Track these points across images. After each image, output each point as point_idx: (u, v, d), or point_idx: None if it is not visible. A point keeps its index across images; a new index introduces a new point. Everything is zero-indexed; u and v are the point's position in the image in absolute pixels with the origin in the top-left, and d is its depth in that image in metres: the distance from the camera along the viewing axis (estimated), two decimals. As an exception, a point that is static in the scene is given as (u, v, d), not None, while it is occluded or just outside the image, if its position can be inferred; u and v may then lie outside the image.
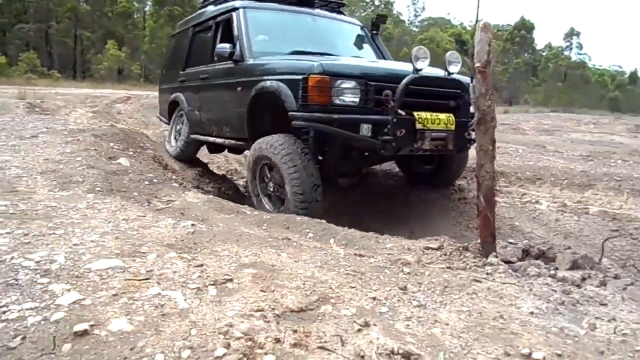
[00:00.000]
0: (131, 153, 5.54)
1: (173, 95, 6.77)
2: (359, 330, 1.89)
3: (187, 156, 6.57)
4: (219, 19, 5.72)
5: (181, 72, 6.60)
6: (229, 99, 5.13)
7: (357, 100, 3.90)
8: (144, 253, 2.44)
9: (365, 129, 3.96)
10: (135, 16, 37.28)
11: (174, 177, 5.43)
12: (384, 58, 5.95)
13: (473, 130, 4.06)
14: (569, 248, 2.96)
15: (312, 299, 2.08)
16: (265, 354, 1.69)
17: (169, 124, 7.17)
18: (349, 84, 3.88)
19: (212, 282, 2.16)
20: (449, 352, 1.79)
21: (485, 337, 1.90)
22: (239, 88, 4.84)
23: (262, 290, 2.13)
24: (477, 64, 2.40)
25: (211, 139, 5.82)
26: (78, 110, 12.11)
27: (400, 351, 1.75)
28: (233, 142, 5.33)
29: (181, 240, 2.68)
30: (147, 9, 38.20)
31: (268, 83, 4.36)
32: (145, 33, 36.39)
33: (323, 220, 3.57)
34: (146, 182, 4.50)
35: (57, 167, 4.25)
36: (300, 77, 3.94)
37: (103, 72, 30.06)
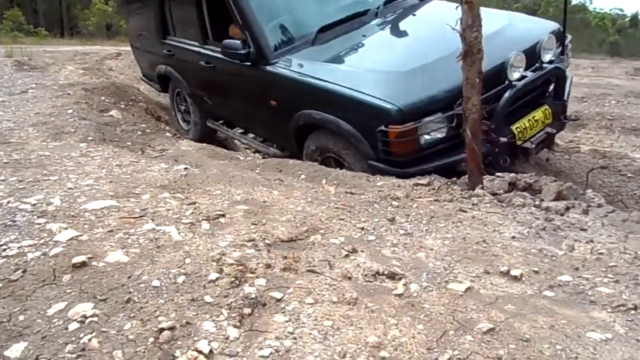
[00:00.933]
0: (123, 106, 5.52)
1: (162, 68, 5.74)
2: (346, 255, 1.97)
3: (211, 138, 5.49)
4: None
5: (163, 41, 5.49)
6: (260, 106, 4.09)
7: (444, 134, 3.11)
8: (137, 194, 2.50)
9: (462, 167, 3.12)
10: (121, -31, 36.28)
11: (167, 127, 5.44)
12: None
13: (566, 116, 3.75)
14: (555, 180, 3.03)
15: (301, 230, 2.16)
16: (257, 277, 1.77)
17: (160, 91, 6.35)
18: (435, 120, 3.06)
19: (205, 218, 2.23)
20: (432, 272, 1.88)
21: (467, 259, 1.99)
22: (273, 102, 3.86)
23: (254, 224, 2.20)
24: (463, -5, 2.39)
25: (237, 135, 4.89)
26: (68, 67, 11.88)
27: (386, 272, 1.83)
28: (274, 150, 4.36)
29: (174, 182, 2.74)
30: (132, -39, 37.07)
31: (323, 116, 3.43)
32: (132, -13, 35.21)
33: (315, 163, 3.62)
34: (139, 133, 4.52)
35: (49, 119, 4.26)
36: (374, 124, 3.07)
37: (91, 28, 29.38)
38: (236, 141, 5.52)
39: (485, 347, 1.44)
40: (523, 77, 3.29)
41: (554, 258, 1.98)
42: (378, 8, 4.21)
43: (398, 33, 4.10)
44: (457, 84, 2.79)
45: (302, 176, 3.38)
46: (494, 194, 2.74)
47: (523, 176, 2.94)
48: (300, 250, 2.00)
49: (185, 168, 3.06)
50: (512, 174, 2.88)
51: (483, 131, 2.94)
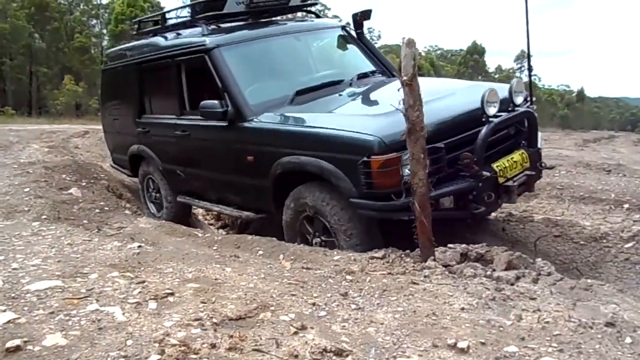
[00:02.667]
0: (84, 183, 5.49)
1: (135, 147, 5.46)
2: (295, 332, 1.95)
3: (182, 217, 5.29)
4: (180, 59, 4.55)
5: (138, 120, 5.32)
6: (235, 166, 4.07)
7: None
8: (85, 273, 2.44)
9: (448, 202, 3.23)
10: (92, 51, 37.00)
11: (127, 205, 5.39)
12: (378, 59, 4.94)
13: (542, 163, 3.91)
14: (507, 250, 3.10)
15: (251, 307, 2.13)
16: (200, 358, 1.72)
17: (130, 175, 5.98)
18: None
19: (152, 297, 2.19)
20: (380, 348, 1.86)
21: (416, 332, 1.99)
22: (249, 157, 3.85)
23: (203, 302, 2.16)
24: (404, 77, 2.54)
25: (209, 204, 4.76)
26: (32, 145, 11.82)
27: (333, 349, 1.81)
28: (249, 214, 4.23)
29: (125, 260, 2.70)
30: (104, 44, 38.04)
31: (302, 159, 3.44)
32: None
33: (274, 238, 3.62)
34: (97, 210, 4.48)
35: (3, 198, 4.19)
36: (355, 158, 3.09)
37: (60, 107, 29.57)
38: (200, 217, 5.45)
39: None
40: (498, 116, 3.45)
41: (501, 328, 2.00)
42: (352, 79, 4.44)
43: (371, 94, 4.36)
44: (432, 122, 2.98)
45: (260, 252, 3.38)
46: (446, 266, 2.78)
47: (475, 247, 3.00)
48: (248, 328, 1.97)
49: (139, 246, 3.02)
50: (464, 245, 2.94)
51: (465, 165, 3.19)
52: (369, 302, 2.30)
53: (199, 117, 4.21)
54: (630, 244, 4.00)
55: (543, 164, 4.00)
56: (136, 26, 6.00)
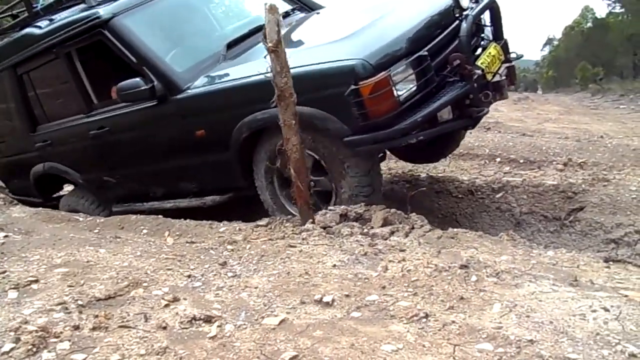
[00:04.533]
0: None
1: (39, 167, 4.45)
2: (166, 305, 1.95)
3: None
4: (69, 44, 3.79)
5: (34, 134, 4.37)
6: (180, 148, 3.48)
7: (415, 84, 2.85)
8: (-62, 270, 2.26)
9: (446, 113, 2.97)
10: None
11: (1, 195, 5.01)
12: None
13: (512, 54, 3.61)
14: (384, 208, 3.26)
15: (122, 286, 2.09)
16: (61, 341, 1.68)
17: (43, 204, 4.65)
18: (402, 68, 2.80)
19: (13, 286, 2.08)
20: (251, 310, 1.91)
21: (288, 292, 2.06)
22: (199, 132, 3.28)
23: (70, 286, 2.09)
24: (269, 44, 2.55)
25: (157, 203, 3.94)
26: None
27: (202, 316, 1.83)
28: (214, 197, 3.59)
29: (-13, 252, 2.52)
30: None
31: (272, 112, 2.82)
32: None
33: (160, 216, 3.54)
34: (-36, 203, 4.12)
35: None
36: (340, 90, 2.71)
37: None
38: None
39: (285, 375, 1.48)
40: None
41: (366, 280, 2.12)
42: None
43: (313, 26, 3.92)
44: (409, 29, 2.90)
45: (144, 231, 3.30)
46: (325, 227, 2.88)
47: (354, 207, 3.12)
48: (117, 307, 1.94)
49: (6, 236, 2.84)
50: (343, 206, 3.05)
51: (456, 65, 2.92)
52: (246, 268, 2.34)
53: (116, 106, 3.63)
54: (500, 194, 4.36)
55: (514, 54, 3.75)
56: None
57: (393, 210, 3.11)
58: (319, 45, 3.17)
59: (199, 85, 3.31)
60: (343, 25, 3.34)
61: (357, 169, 2.99)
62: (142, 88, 3.28)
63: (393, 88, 2.74)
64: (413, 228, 2.95)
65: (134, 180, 3.99)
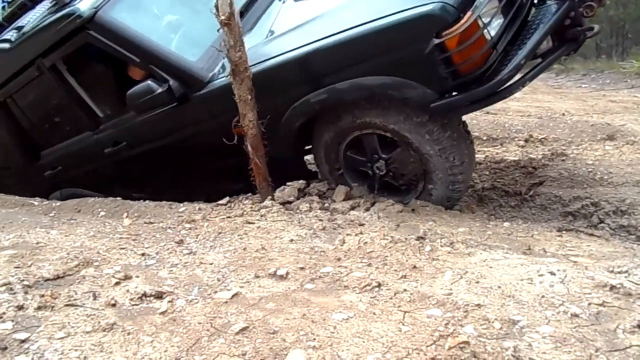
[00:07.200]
0: None
1: (56, 195, 3.81)
2: (117, 283, 1.90)
3: None
4: (51, 57, 3.16)
5: (39, 162, 3.74)
6: (217, 151, 2.81)
7: (502, 15, 2.33)
8: None
9: (544, 45, 2.43)
10: None
11: None
12: None
13: None
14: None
15: (71, 265, 2.04)
16: (3, 321, 1.62)
17: None
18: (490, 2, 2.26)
19: (-45, 270, 2.00)
20: (204, 285, 1.89)
21: (243, 267, 2.04)
22: (237, 128, 2.66)
23: (17, 267, 2.02)
24: (222, 17, 2.49)
25: None
26: None
27: (153, 292, 1.80)
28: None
29: None
30: None
31: (335, 89, 2.42)
32: None
33: (118, 198, 3.46)
34: None
35: None
36: (419, 47, 2.18)
37: None
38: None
39: (233, 346, 1.47)
40: None
41: (322, 253, 2.12)
42: None
43: None
44: None
45: (102, 213, 3.21)
46: (285, 202, 2.85)
47: (316, 185, 3.10)
48: (65, 286, 1.88)
49: (-47, 220, 2.74)
50: (302, 181, 3.00)
51: None
52: (202, 245, 2.31)
53: (129, 115, 3.09)
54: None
55: None
56: None
57: (355, 184, 3.09)
58: None
59: (224, 74, 2.74)
60: None
61: (449, 140, 2.45)
62: (157, 92, 2.75)
63: (484, 31, 2.19)
64: (375, 203, 2.94)
65: (168, 191, 3.39)
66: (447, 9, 2.14)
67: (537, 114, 6.40)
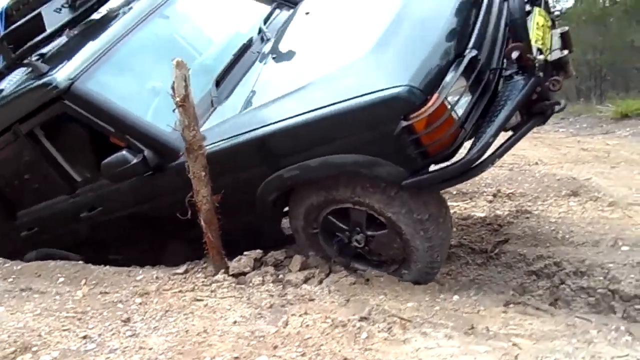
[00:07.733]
0: None
1: (31, 256, 3.80)
2: (49, 374, 1.90)
3: None
4: (28, 125, 3.21)
5: (15, 222, 3.75)
6: (188, 219, 2.71)
7: (469, 93, 2.31)
8: None
9: (514, 120, 2.38)
10: None
11: None
12: None
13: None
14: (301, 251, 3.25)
15: (8, 352, 2.04)
16: None
17: None
18: (452, 79, 2.24)
19: None
20: (137, 377, 1.89)
21: (181, 354, 2.04)
22: (214, 197, 2.67)
23: (-48, 355, 2.02)
24: (177, 99, 2.56)
25: None
26: None
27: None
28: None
29: None
30: None
31: (301, 168, 2.45)
32: None
33: (80, 262, 3.46)
34: None
35: None
36: (387, 129, 2.21)
37: None
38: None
39: None
40: None
41: (262, 338, 2.12)
42: (260, 31, 3.37)
43: (313, 31, 3.19)
44: (443, 32, 2.35)
45: (61, 279, 3.21)
46: (240, 274, 2.85)
47: (274, 253, 3.10)
48: (-3, 377, 1.88)
49: None
50: (259, 250, 3.01)
51: (517, 58, 2.32)
52: (147, 326, 2.32)
53: (104, 182, 3.07)
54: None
55: (557, 12, 3.29)
56: None
57: (312, 253, 3.10)
58: (338, 69, 2.55)
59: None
60: (353, 29, 2.73)
61: (426, 211, 2.46)
62: (132, 163, 2.75)
63: (452, 111, 2.20)
64: (330, 273, 2.93)
65: (145, 256, 3.38)
66: (413, 92, 2.19)
67: (509, 164, 6.49)
